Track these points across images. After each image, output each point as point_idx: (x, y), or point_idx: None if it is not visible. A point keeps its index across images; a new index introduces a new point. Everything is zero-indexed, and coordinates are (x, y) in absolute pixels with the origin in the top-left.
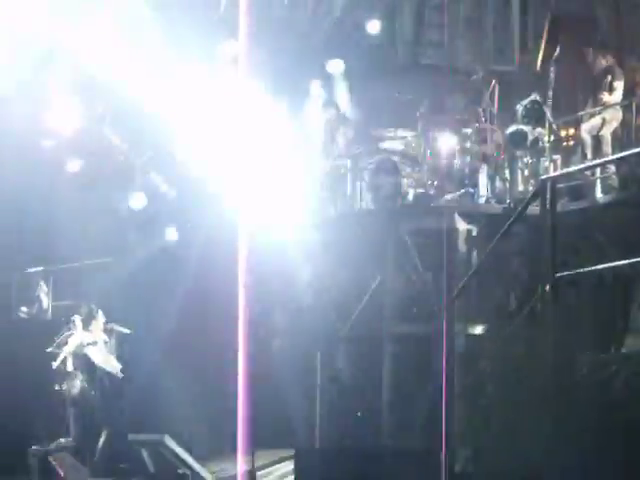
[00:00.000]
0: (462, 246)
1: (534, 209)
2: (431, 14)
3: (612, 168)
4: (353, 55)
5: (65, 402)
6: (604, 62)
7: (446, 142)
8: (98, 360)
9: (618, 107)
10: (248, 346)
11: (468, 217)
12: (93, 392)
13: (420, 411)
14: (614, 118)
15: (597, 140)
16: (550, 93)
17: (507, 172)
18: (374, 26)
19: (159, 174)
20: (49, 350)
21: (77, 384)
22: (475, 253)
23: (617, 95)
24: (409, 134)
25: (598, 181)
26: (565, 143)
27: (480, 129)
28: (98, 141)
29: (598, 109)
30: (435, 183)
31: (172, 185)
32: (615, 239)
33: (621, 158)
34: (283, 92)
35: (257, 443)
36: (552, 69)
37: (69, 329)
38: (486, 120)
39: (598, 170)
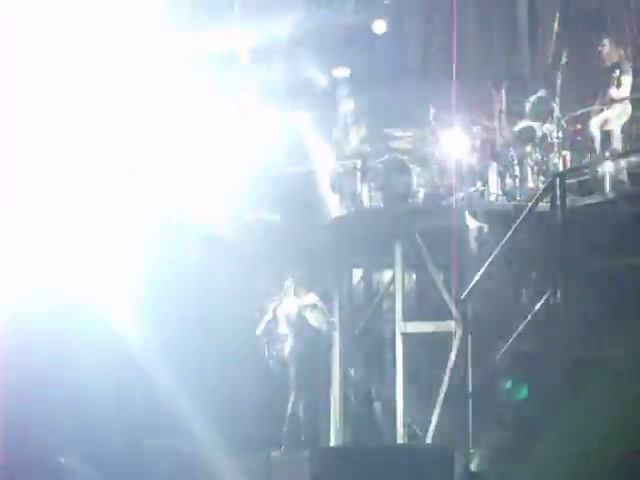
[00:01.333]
0: (473, 244)
1: (545, 206)
2: (440, 18)
3: (622, 163)
4: (362, 57)
5: (278, 363)
6: (616, 56)
7: (455, 140)
8: (312, 320)
9: (627, 102)
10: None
11: (479, 215)
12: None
13: (435, 410)
14: (623, 113)
15: (606, 135)
16: (558, 89)
17: (517, 169)
18: (382, 29)
19: None
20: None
21: (288, 345)
22: (487, 251)
23: (625, 90)
24: (418, 133)
25: (608, 176)
26: (574, 139)
27: (490, 127)
28: None
29: (606, 104)
30: (445, 182)
31: None
32: (626, 234)
33: (631, 153)
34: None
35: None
36: (559, 73)
37: (279, 294)
38: (496, 118)
39: (608, 165)
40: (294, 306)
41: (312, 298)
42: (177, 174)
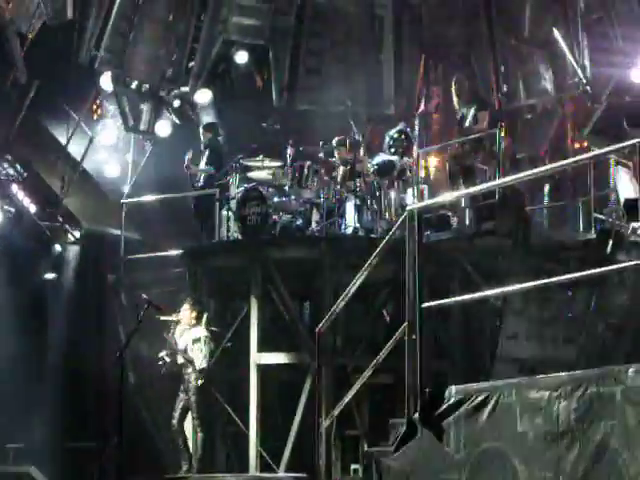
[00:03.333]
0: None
1: (401, 239)
2: (306, 60)
3: (480, 198)
4: (224, 85)
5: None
6: (472, 93)
7: (313, 172)
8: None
9: (484, 137)
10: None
11: (335, 247)
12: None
13: (288, 441)
14: (479, 148)
15: (465, 170)
16: (417, 125)
17: (374, 202)
18: (244, 59)
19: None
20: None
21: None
22: (343, 283)
23: (482, 125)
24: (277, 164)
25: (466, 211)
26: (433, 173)
27: (349, 160)
28: None
29: (464, 139)
30: (303, 213)
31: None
32: (482, 269)
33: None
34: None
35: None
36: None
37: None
38: (354, 150)
39: (464, 200)
40: (186, 337)
41: (201, 331)
42: None
